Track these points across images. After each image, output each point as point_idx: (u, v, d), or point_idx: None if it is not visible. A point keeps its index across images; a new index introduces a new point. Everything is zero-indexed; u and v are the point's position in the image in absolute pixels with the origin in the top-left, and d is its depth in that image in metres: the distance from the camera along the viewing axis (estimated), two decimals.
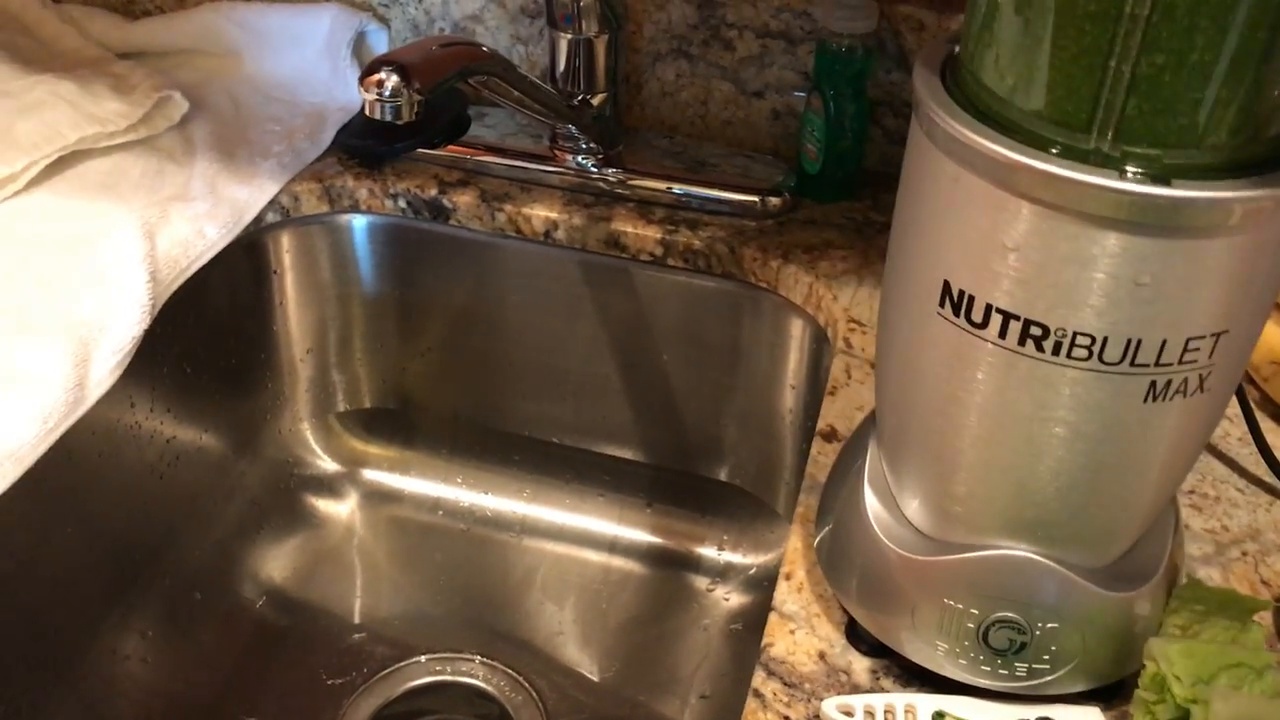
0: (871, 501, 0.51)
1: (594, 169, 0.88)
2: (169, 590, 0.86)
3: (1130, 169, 0.37)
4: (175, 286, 0.79)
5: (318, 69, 0.96)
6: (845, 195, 0.88)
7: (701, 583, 0.94)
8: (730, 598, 0.93)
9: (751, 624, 0.90)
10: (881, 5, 0.83)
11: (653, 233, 0.85)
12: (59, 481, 0.73)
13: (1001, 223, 0.39)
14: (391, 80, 0.59)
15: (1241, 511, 0.62)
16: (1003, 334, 0.41)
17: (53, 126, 0.85)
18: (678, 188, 0.87)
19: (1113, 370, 0.40)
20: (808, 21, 0.87)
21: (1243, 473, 0.64)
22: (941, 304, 0.42)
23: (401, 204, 0.89)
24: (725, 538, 0.95)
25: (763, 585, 0.92)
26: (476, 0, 0.93)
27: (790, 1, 0.86)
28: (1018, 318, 0.40)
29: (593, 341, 0.91)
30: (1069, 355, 0.40)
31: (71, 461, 0.74)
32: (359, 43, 0.96)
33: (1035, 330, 0.40)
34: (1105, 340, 0.39)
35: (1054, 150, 0.38)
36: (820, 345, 0.80)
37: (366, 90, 0.59)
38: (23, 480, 0.66)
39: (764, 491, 0.93)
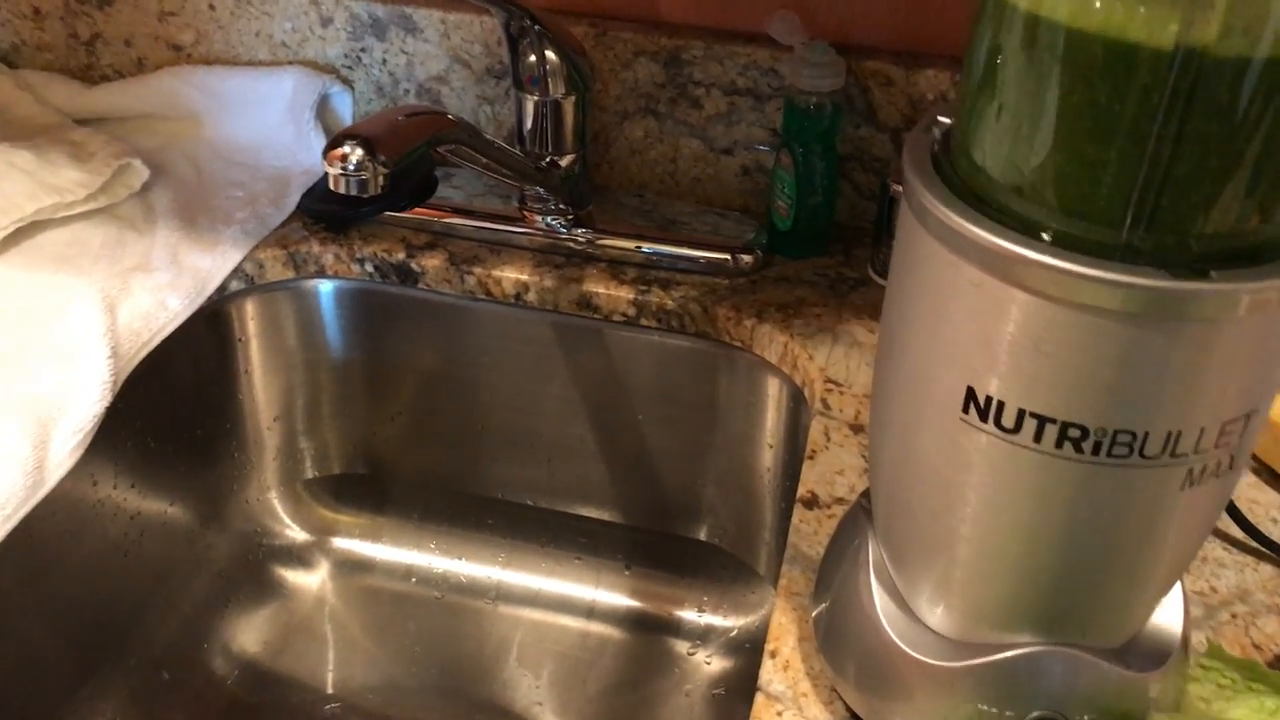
0: (881, 602, 0.50)
1: (564, 229, 0.87)
2: (136, 670, 0.84)
3: (1165, 261, 0.36)
4: (137, 360, 0.77)
5: (280, 133, 0.94)
6: (817, 251, 0.88)
7: (682, 646, 0.92)
8: (712, 661, 0.91)
9: (734, 689, 0.89)
10: (849, 61, 0.83)
11: (625, 293, 0.84)
12: (20, 563, 0.71)
13: (1035, 328, 0.38)
14: (356, 154, 0.58)
15: (1229, 572, 0.61)
16: (1038, 438, 0.39)
17: (9, 198, 0.83)
18: (649, 247, 0.86)
19: (1153, 464, 0.39)
20: (775, 78, 0.86)
21: (1226, 534, 0.63)
22: (966, 410, 0.40)
23: (369, 268, 0.88)
24: (705, 599, 0.94)
25: (745, 648, 0.91)
26: (441, 61, 0.92)
27: (757, 59, 0.86)
28: (1054, 421, 0.39)
29: (566, 402, 0.90)
30: (1110, 454, 0.39)
31: (32, 543, 0.71)
32: (323, 105, 0.95)
33: (1074, 432, 0.39)
34: (1146, 435, 0.38)
35: (1085, 248, 0.37)
36: (798, 404, 0.80)
37: (331, 164, 0.58)
38: None
39: (744, 551, 0.91)
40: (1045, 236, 0.38)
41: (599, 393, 0.89)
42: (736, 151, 0.91)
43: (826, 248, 0.88)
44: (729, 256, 0.85)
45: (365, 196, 0.59)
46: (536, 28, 0.77)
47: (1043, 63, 0.37)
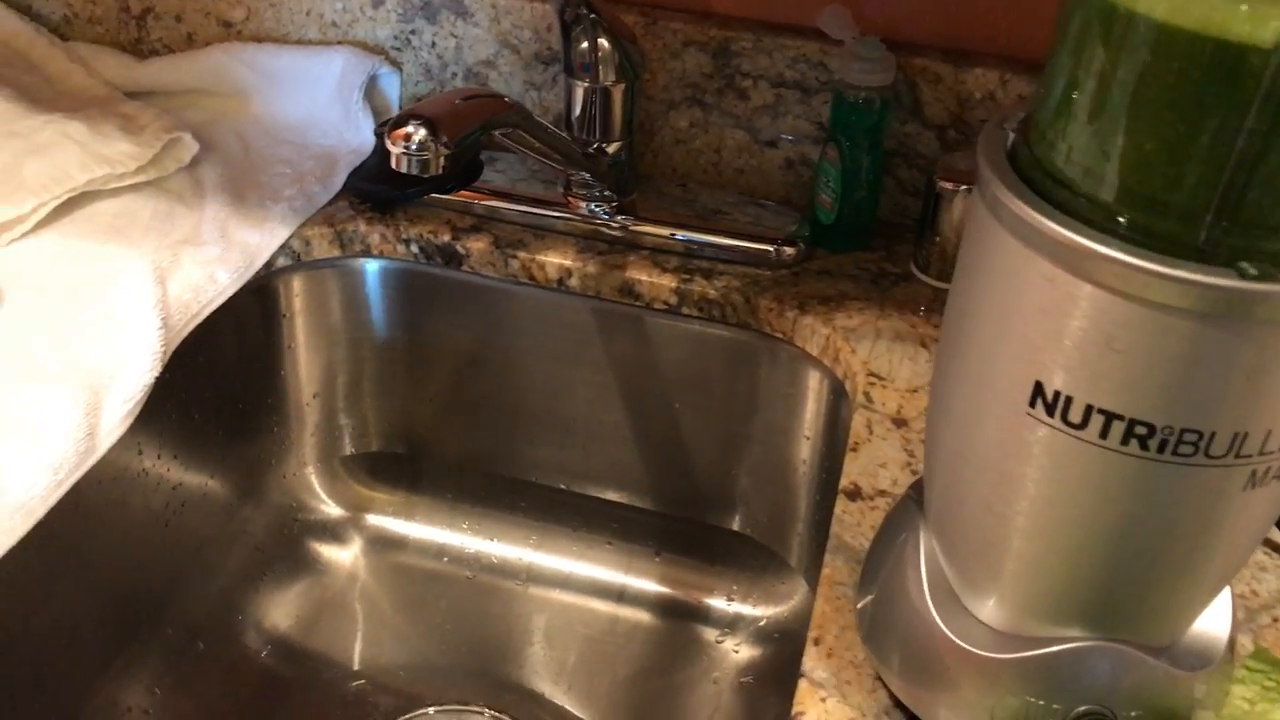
0: (932, 592, 0.50)
1: (608, 216, 0.87)
2: (172, 641, 0.85)
3: (1245, 263, 0.36)
4: (186, 333, 0.78)
5: (329, 112, 0.95)
6: (859, 246, 0.88)
7: (710, 634, 0.93)
8: (740, 650, 0.92)
9: (762, 677, 0.89)
10: (898, 57, 0.83)
11: (667, 281, 0.84)
12: (65, 531, 0.71)
13: (1107, 324, 0.38)
14: (419, 134, 0.59)
15: (1270, 576, 0.61)
16: (1104, 434, 0.40)
17: (61, 167, 0.84)
18: (692, 236, 0.86)
19: (1217, 463, 0.39)
20: (823, 72, 0.87)
21: (1268, 538, 0.64)
22: (1033, 404, 0.41)
23: (414, 249, 0.88)
24: (735, 588, 0.94)
25: (774, 638, 0.91)
26: (490, 46, 0.93)
27: (806, 52, 0.86)
28: (1122, 418, 0.39)
29: (603, 388, 0.91)
30: (1175, 452, 0.39)
31: (79, 511, 0.72)
32: (371, 86, 0.96)
33: (1140, 430, 0.39)
34: (1213, 435, 0.39)
35: (1161, 246, 0.37)
36: (838, 398, 0.80)
37: (394, 143, 0.59)
38: (30, 532, 0.64)
39: (775, 543, 0.92)
40: (1120, 231, 0.38)
41: (636, 379, 0.89)
42: (781, 144, 0.91)
43: (869, 243, 0.89)
44: (772, 248, 0.86)
45: (425, 176, 0.59)
46: (591, 15, 0.77)
47: (1137, 57, 0.37)
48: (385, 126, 0.62)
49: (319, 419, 0.97)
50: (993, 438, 0.44)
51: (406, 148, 0.59)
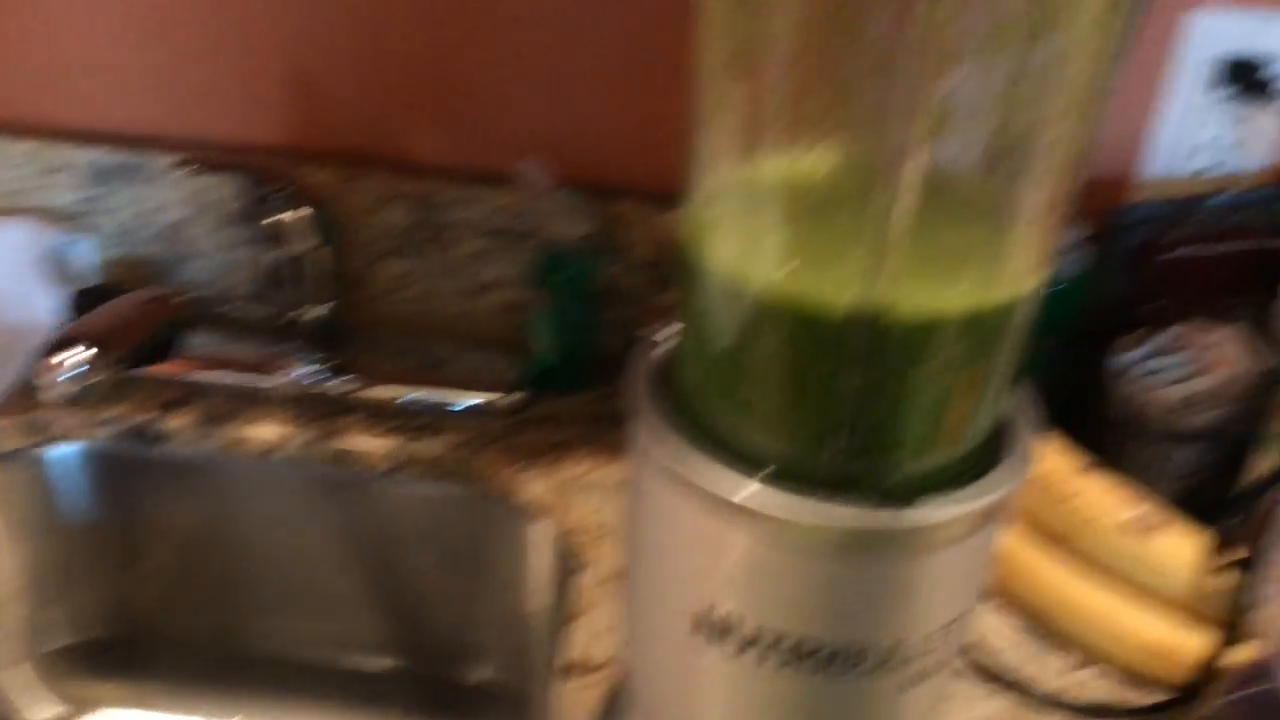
0: None
1: (320, 378, 0.85)
2: None
3: (872, 493, 0.38)
4: None
5: (11, 287, 0.89)
6: (579, 387, 0.89)
7: None
8: None
9: None
10: (600, 203, 0.85)
11: (386, 444, 0.82)
12: None
13: (756, 559, 0.39)
14: (78, 357, 0.55)
15: (967, 704, 0.64)
16: (764, 658, 0.41)
17: None
18: (409, 393, 0.85)
19: (875, 673, 0.41)
20: (529, 220, 0.87)
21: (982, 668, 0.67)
22: (696, 630, 0.42)
23: (113, 430, 0.83)
24: None
25: None
26: (184, 207, 0.89)
27: (509, 202, 0.87)
28: (776, 641, 0.40)
29: (332, 554, 0.88)
30: (833, 667, 0.41)
31: None
32: (57, 255, 0.90)
33: (796, 650, 0.40)
34: (867, 649, 0.40)
35: (797, 484, 0.39)
36: (564, 552, 0.80)
37: (52, 369, 0.55)
38: None
39: (523, 695, 0.91)
40: (761, 471, 0.39)
41: (365, 542, 0.87)
42: (495, 289, 0.91)
43: (589, 382, 0.90)
44: (492, 398, 0.85)
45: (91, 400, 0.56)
46: (281, 189, 0.75)
47: (742, 316, 0.39)
48: (44, 348, 0.58)
49: (27, 613, 0.90)
50: (667, 659, 0.45)
51: (67, 372, 0.55)
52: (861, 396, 0.38)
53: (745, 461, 0.40)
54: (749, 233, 0.39)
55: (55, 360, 0.55)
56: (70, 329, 0.56)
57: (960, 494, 0.40)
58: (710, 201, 0.41)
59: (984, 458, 0.42)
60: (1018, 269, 0.39)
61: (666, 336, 0.47)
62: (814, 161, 0.38)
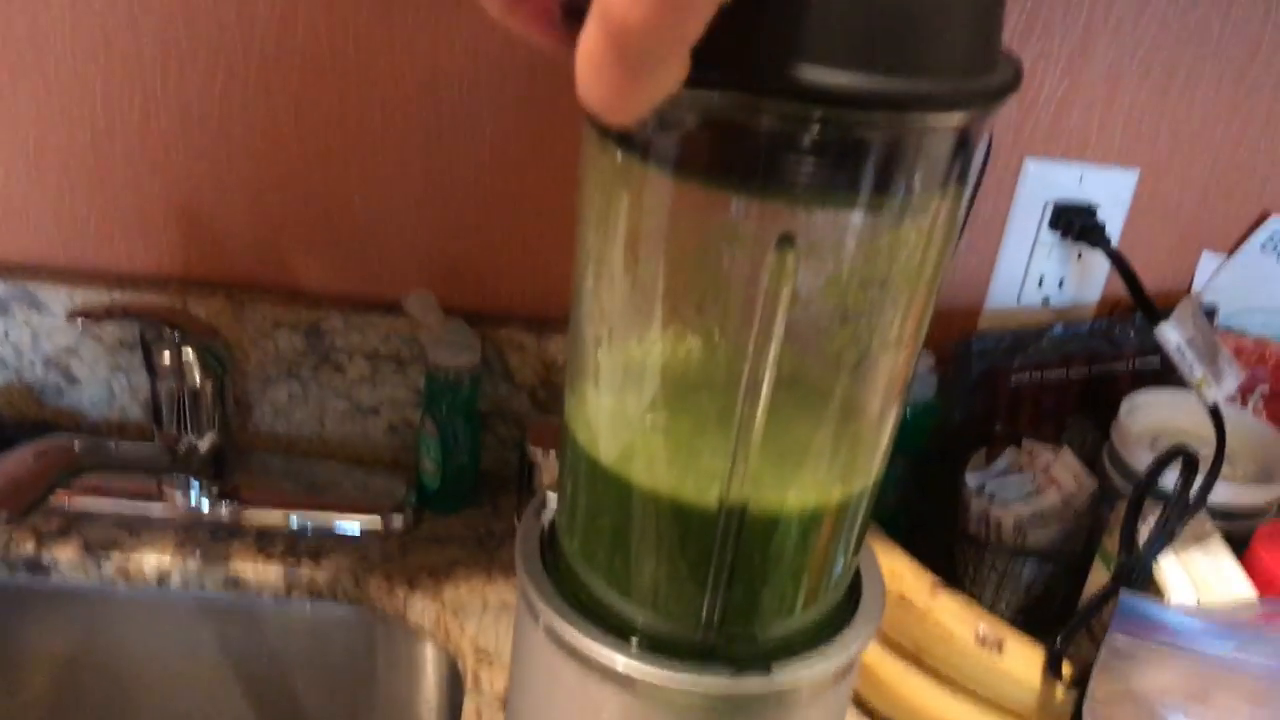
0: None
1: (208, 503, 0.86)
2: None
3: (736, 658, 0.43)
4: None
5: None
6: (466, 504, 0.92)
7: None
8: None
9: None
10: (484, 331, 0.89)
11: (274, 568, 0.84)
12: None
13: (631, 715, 0.44)
14: None
15: None
16: None
17: None
18: (297, 516, 0.87)
19: None
20: (415, 345, 0.91)
21: None
22: None
23: None
24: None
25: None
26: (69, 334, 0.90)
27: (397, 328, 0.90)
28: None
29: (220, 681, 0.88)
30: None
31: None
32: None
33: None
34: None
35: (666, 647, 0.43)
36: (453, 671, 0.82)
37: None
38: None
39: None
40: (634, 639, 0.44)
41: (255, 668, 0.88)
42: (383, 411, 0.94)
43: (475, 499, 0.93)
44: (380, 520, 0.87)
45: None
46: (169, 332, 0.77)
47: (618, 501, 0.43)
48: None
49: None
50: None
51: None
52: (725, 574, 0.42)
53: (622, 627, 0.44)
54: (620, 416, 0.44)
55: None
56: None
57: (819, 652, 0.44)
58: (586, 381, 0.45)
59: (839, 609, 0.47)
60: (864, 462, 0.44)
61: (552, 499, 0.51)
62: (681, 351, 0.43)
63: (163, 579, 0.84)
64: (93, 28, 0.82)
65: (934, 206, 0.41)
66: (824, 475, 0.43)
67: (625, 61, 0.26)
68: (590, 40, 0.26)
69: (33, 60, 0.83)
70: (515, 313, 0.92)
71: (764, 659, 0.43)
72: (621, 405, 0.44)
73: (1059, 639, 0.71)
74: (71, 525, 0.85)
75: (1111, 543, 0.74)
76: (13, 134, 0.86)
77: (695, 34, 0.26)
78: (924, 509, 0.84)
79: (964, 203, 0.42)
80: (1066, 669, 0.70)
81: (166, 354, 0.79)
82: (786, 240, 0.37)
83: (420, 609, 0.83)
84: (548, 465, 0.86)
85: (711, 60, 0.29)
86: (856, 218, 0.39)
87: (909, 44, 0.32)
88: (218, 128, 0.85)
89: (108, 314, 0.73)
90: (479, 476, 0.93)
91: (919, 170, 0.39)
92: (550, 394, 0.93)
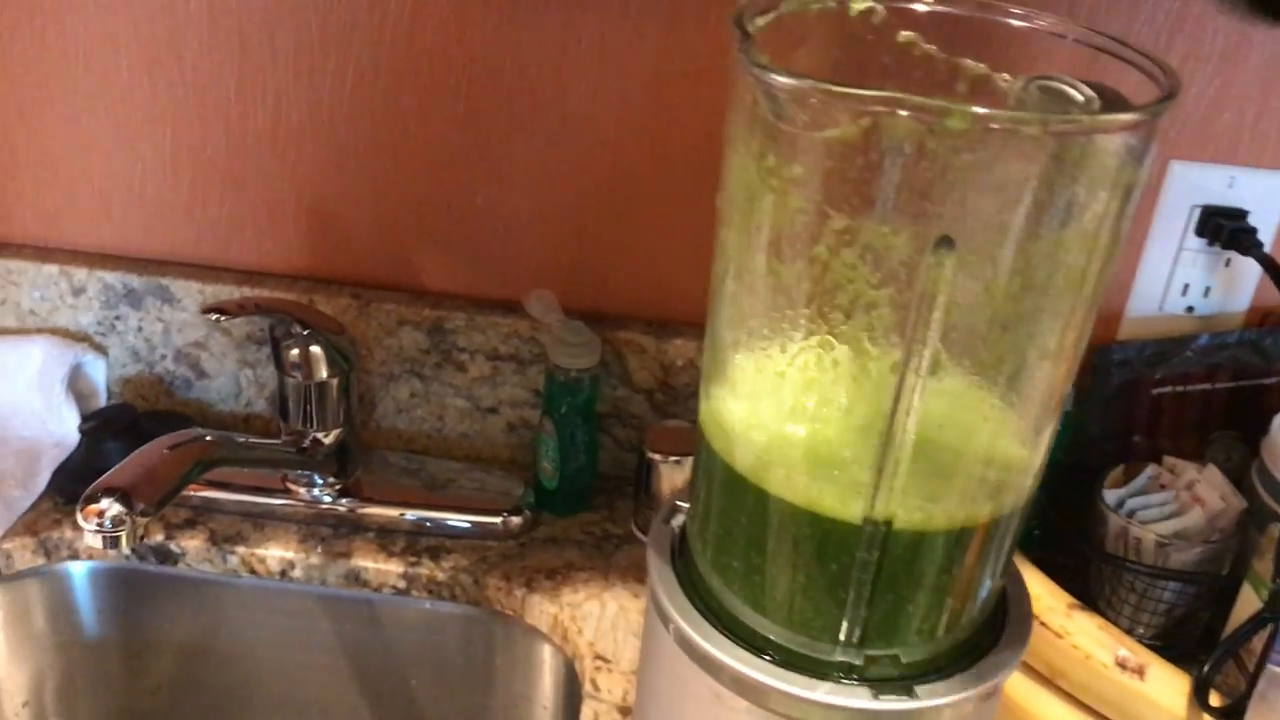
0: None
1: (330, 499, 0.87)
2: None
3: (874, 678, 0.41)
4: None
5: (29, 404, 0.91)
6: (583, 507, 0.91)
7: None
8: None
9: None
10: (603, 332, 0.88)
11: (394, 566, 0.84)
12: None
13: None
14: (113, 510, 0.58)
15: None
16: None
17: None
18: (417, 514, 0.87)
19: None
20: (536, 345, 0.90)
21: None
22: None
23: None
24: None
25: None
26: (199, 328, 0.92)
27: (518, 329, 0.90)
28: None
29: (336, 672, 0.89)
30: None
31: None
32: (76, 373, 0.93)
33: None
34: None
35: (802, 664, 0.41)
36: (571, 673, 0.82)
37: (86, 520, 0.57)
38: None
39: None
40: (770, 654, 0.42)
41: (370, 661, 0.88)
42: (502, 410, 0.94)
43: (592, 502, 0.92)
44: (499, 519, 0.87)
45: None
46: (298, 329, 0.78)
47: (754, 510, 0.41)
48: (79, 500, 0.59)
49: None
50: None
51: (100, 525, 0.57)
52: (866, 591, 0.40)
53: (754, 639, 0.42)
54: (758, 423, 0.42)
55: (91, 514, 0.57)
56: (104, 481, 0.58)
57: (964, 676, 0.42)
58: (723, 386, 0.44)
59: (981, 631, 0.45)
60: (1017, 479, 0.42)
61: (684, 506, 0.50)
62: (826, 358, 0.41)
63: (285, 572, 0.85)
64: (229, 28, 0.83)
65: (1098, 212, 0.39)
66: (975, 491, 0.41)
67: None
68: None
69: (171, 60, 0.85)
70: (635, 315, 0.91)
71: (905, 680, 0.42)
72: (759, 412, 0.43)
73: (1206, 666, 0.67)
74: (198, 516, 0.87)
75: (1263, 567, 0.70)
76: (150, 132, 0.88)
77: None
78: (1056, 524, 0.81)
79: (1129, 211, 0.40)
80: (1215, 698, 0.67)
81: (295, 350, 0.80)
82: (945, 242, 0.35)
83: (538, 611, 0.83)
84: (666, 470, 0.85)
85: None
86: (1018, 220, 0.37)
87: None
88: (346, 127, 0.86)
89: (240, 309, 0.74)
90: (595, 482, 0.92)
91: (1083, 173, 0.37)
92: (669, 397, 0.92)
